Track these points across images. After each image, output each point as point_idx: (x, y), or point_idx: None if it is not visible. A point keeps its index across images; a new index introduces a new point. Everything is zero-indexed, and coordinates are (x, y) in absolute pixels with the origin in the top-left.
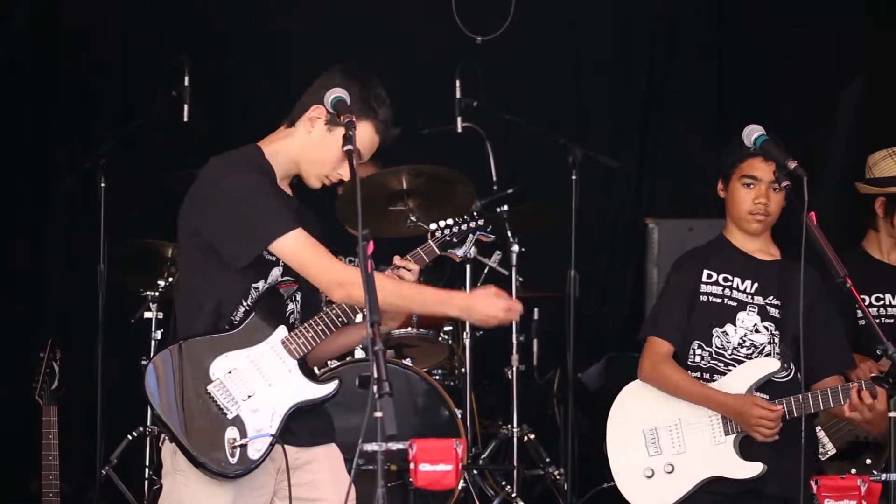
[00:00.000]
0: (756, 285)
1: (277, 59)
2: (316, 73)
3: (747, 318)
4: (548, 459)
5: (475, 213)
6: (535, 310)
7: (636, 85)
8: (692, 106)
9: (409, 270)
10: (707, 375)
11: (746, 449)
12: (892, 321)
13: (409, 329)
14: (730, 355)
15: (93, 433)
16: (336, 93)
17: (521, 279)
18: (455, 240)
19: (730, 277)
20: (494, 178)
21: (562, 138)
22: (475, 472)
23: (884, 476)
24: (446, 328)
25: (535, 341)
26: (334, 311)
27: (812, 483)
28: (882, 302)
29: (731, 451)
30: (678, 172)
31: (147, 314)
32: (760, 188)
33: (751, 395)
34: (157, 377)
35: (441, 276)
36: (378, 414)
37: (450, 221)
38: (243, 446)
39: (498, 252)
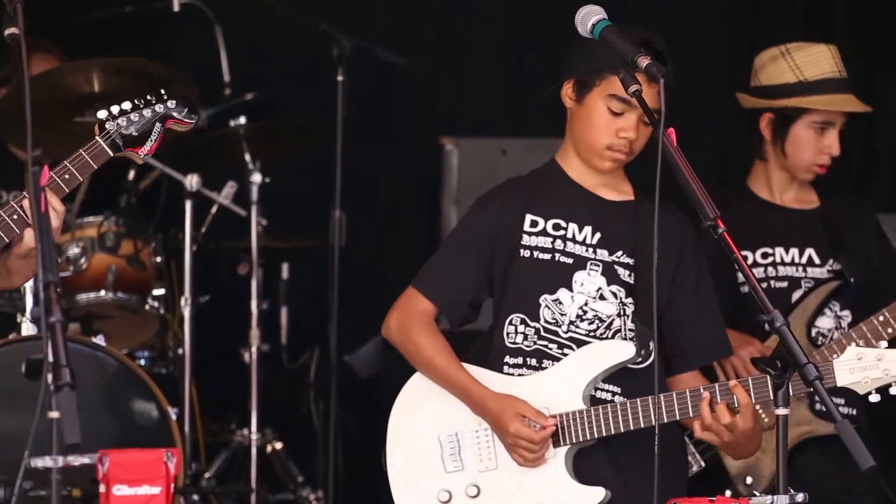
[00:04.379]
0: (599, 235)
1: None
2: None
3: (588, 280)
4: (300, 478)
5: (163, 93)
6: (285, 266)
7: None
8: None
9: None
10: (533, 361)
11: (585, 466)
12: (784, 285)
13: (103, 292)
14: (565, 333)
15: None
16: None
17: (264, 222)
18: (135, 131)
19: (563, 224)
20: (228, 79)
21: (324, 23)
22: (195, 496)
23: (768, 499)
24: (156, 291)
25: (283, 310)
26: None
27: None
28: (770, 259)
29: (562, 470)
30: (489, 75)
31: None
32: (631, 118)
33: (513, 398)
34: None
35: (146, 225)
36: (54, 414)
37: (127, 105)
38: None
39: (232, 183)
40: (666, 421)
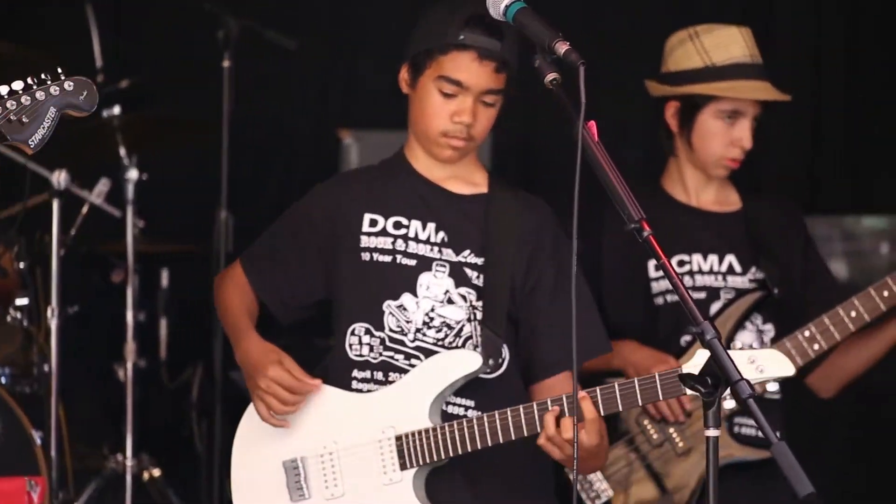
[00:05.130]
0: (444, 233)
1: None
2: None
3: (434, 283)
4: None
5: (59, 72)
6: (165, 272)
7: None
8: None
9: None
10: (380, 375)
11: (440, 489)
12: (702, 295)
13: None
14: (412, 342)
15: None
16: None
17: (141, 224)
18: (25, 117)
19: (404, 222)
20: (100, 64)
21: (208, 2)
22: None
23: None
24: (19, 301)
25: (163, 322)
26: None
27: None
28: (687, 267)
29: (410, 495)
30: (392, 59)
31: None
32: (466, 101)
33: (284, 354)
34: None
35: (7, 227)
36: None
37: (17, 85)
38: None
39: (105, 180)
40: (514, 437)
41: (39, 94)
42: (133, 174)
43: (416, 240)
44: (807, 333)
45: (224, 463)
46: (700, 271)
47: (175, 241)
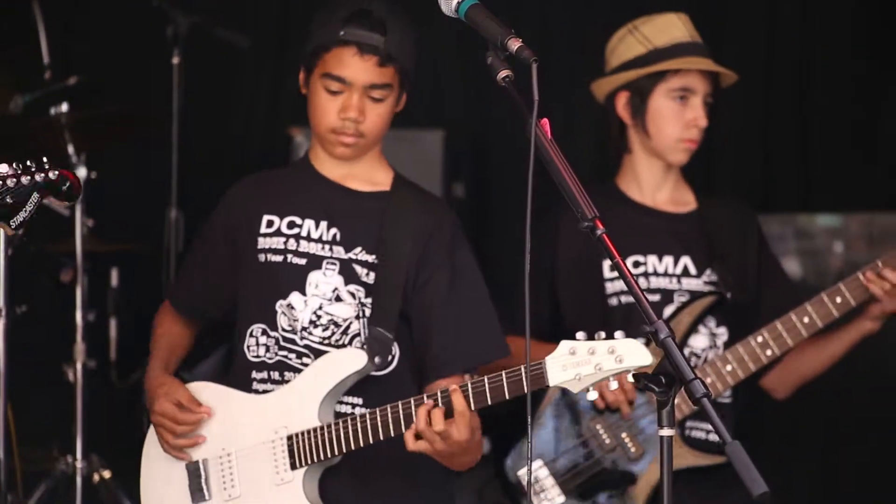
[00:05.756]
0: (336, 231)
1: None
2: None
3: (323, 281)
4: None
5: (45, 160)
6: (114, 272)
7: None
8: None
9: None
10: (276, 374)
11: (330, 489)
12: (657, 298)
13: None
14: (301, 341)
15: None
16: None
17: (91, 223)
18: (9, 199)
19: (298, 221)
20: (47, 61)
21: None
22: None
23: None
24: None
25: (112, 322)
26: None
27: None
28: (642, 268)
29: (299, 493)
30: None
31: None
32: (351, 97)
33: (176, 384)
34: None
35: None
36: None
37: (4, 168)
38: None
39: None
40: (394, 434)
41: (25, 180)
42: (82, 172)
43: (309, 238)
44: (760, 339)
45: None
46: (655, 273)
47: (125, 240)
